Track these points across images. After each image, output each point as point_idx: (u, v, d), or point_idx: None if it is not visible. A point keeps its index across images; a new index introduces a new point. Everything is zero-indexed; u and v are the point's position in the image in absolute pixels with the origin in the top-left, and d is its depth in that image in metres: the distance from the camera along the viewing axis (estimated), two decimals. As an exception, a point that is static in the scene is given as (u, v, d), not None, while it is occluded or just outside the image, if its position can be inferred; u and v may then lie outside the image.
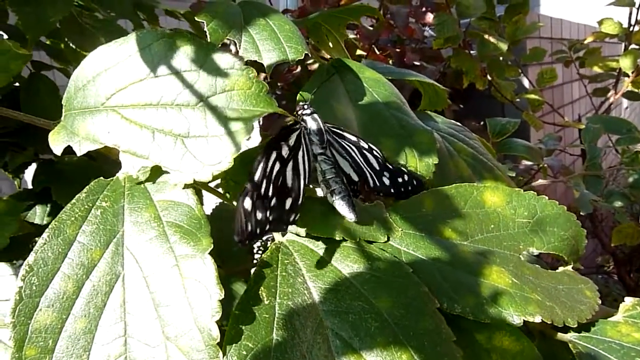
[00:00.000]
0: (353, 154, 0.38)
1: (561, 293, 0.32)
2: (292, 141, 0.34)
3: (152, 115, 0.32)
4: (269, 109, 0.32)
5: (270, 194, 0.31)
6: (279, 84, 1.29)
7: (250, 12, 0.41)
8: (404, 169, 0.38)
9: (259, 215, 0.30)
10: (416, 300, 0.29)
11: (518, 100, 1.35)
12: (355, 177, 0.38)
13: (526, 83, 1.62)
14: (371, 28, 1.33)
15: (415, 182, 0.38)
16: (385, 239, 0.33)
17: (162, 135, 0.32)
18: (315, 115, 0.37)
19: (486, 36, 1.12)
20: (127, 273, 0.30)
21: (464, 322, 0.30)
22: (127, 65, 0.34)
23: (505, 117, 1.04)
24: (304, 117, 0.37)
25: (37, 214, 0.81)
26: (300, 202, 0.33)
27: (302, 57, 0.38)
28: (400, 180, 0.37)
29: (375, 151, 0.38)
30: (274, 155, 0.32)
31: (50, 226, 0.31)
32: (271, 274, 0.30)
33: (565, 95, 2.11)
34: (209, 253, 0.29)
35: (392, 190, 0.38)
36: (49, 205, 0.83)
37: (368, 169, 0.37)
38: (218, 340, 0.27)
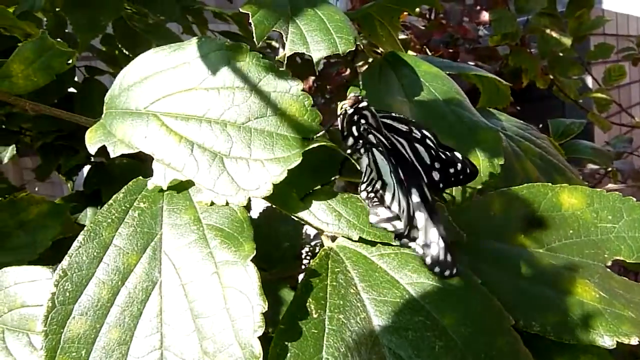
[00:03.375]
0: (400, 147, 0.33)
1: (657, 310, 0.27)
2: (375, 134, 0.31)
3: (195, 128, 0.30)
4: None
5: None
6: (327, 87, 1.27)
7: (298, 2, 0.38)
8: (457, 154, 0.34)
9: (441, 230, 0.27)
10: (487, 316, 0.25)
11: (581, 100, 1.27)
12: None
13: (589, 82, 1.53)
14: (423, 28, 1.29)
15: (468, 171, 0.33)
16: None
17: (201, 150, 0.30)
18: (372, 108, 0.32)
19: (548, 31, 1.06)
20: (165, 280, 0.27)
21: (543, 343, 0.26)
22: (178, 72, 0.32)
23: (566, 118, 0.97)
24: (363, 112, 0.31)
25: (88, 216, 0.82)
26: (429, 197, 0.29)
27: (354, 49, 0.35)
28: (452, 170, 0.33)
29: (429, 138, 0.33)
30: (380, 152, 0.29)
31: (85, 228, 0.29)
32: (320, 283, 0.27)
33: (633, 95, 1.99)
34: (252, 260, 0.26)
35: (441, 185, 0.33)
36: (99, 207, 0.83)
37: (417, 162, 0.33)
38: (260, 358, 0.24)
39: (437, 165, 0.33)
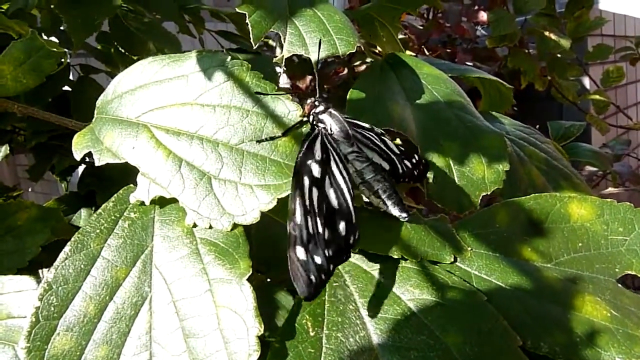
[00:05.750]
0: (376, 141, 0.33)
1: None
2: (318, 153, 0.28)
3: (185, 144, 0.29)
4: None
5: (319, 228, 0.26)
6: (325, 87, 1.25)
7: (297, 2, 0.37)
8: (411, 147, 0.34)
9: (318, 260, 0.25)
10: (493, 335, 0.24)
11: (579, 101, 1.26)
12: (386, 166, 0.33)
13: (587, 83, 1.52)
14: (421, 27, 1.27)
15: (424, 162, 0.34)
16: (452, 259, 0.28)
17: (189, 168, 0.28)
18: (332, 110, 0.31)
19: (547, 33, 1.05)
20: (155, 295, 0.26)
21: (551, 365, 0.25)
22: (174, 84, 0.31)
23: (564, 119, 0.97)
24: (320, 117, 0.31)
25: (83, 218, 0.80)
26: (355, 218, 0.27)
27: (354, 50, 0.34)
28: (414, 161, 0.34)
29: (384, 135, 0.33)
30: (306, 182, 0.27)
31: (72, 239, 0.28)
32: (317, 299, 0.26)
33: (629, 96, 1.99)
34: (247, 279, 0.25)
35: (415, 173, 0.34)
36: (94, 209, 0.82)
37: (392, 154, 0.33)
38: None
39: (403, 155, 0.33)
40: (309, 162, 0.27)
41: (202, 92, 0.30)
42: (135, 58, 0.86)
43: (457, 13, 1.22)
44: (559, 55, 1.18)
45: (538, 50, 1.12)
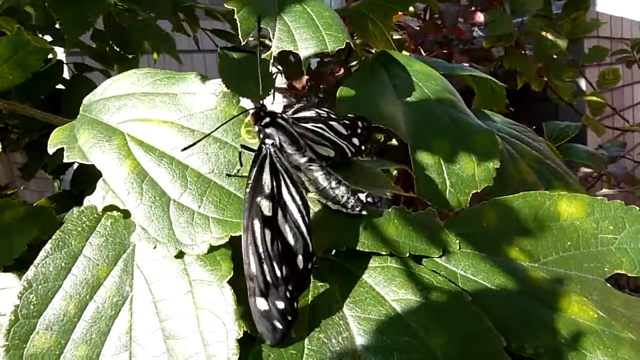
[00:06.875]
0: (324, 132, 0.32)
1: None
2: (267, 184, 0.27)
3: (155, 161, 0.28)
4: None
5: (277, 272, 0.25)
6: (321, 87, 1.25)
7: (286, -2, 0.36)
8: (350, 115, 0.35)
9: (281, 305, 0.24)
10: (478, 337, 0.23)
11: (575, 103, 1.26)
12: (333, 154, 0.32)
13: (583, 85, 1.52)
14: (418, 28, 1.27)
15: (366, 124, 0.35)
16: (440, 254, 0.27)
17: (151, 185, 0.27)
18: (278, 119, 0.29)
19: (544, 33, 1.04)
20: (136, 295, 0.26)
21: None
22: (162, 100, 0.30)
23: (559, 120, 0.96)
24: (266, 131, 0.29)
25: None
26: (312, 248, 0.26)
27: (343, 47, 0.34)
28: (359, 130, 0.34)
29: (330, 112, 0.33)
30: (257, 227, 0.25)
31: (53, 236, 0.27)
32: (300, 298, 0.25)
33: (625, 98, 1.99)
34: (228, 281, 0.24)
35: (363, 147, 0.34)
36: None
37: (340, 139, 0.33)
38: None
39: (350, 132, 0.34)
40: (259, 199, 0.26)
41: (186, 115, 0.29)
42: (130, 57, 0.86)
43: (453, 14, 1.22)
44: (555, 57, 1.18)
45: (534, 51, 1.11)
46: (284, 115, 0.30)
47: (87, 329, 0.25)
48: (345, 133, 0.33)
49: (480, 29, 1.30)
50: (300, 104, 0.33)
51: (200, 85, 0.30)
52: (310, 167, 0.29)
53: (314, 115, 0.33)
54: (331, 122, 0.33)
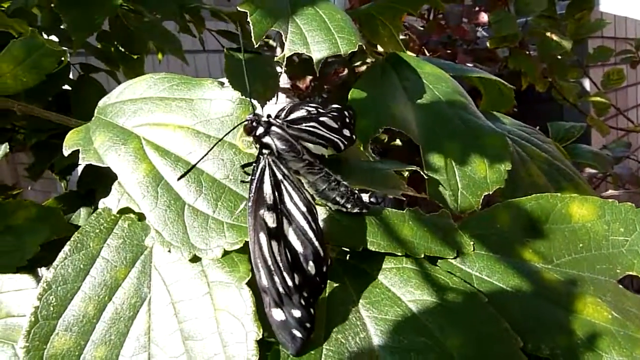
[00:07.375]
0: (317, 130, 0.32)
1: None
2: (269, 195, 0.26)
3: (170, 165, 0.28)
4: None
5: (288, 282, 0.25)
6: (325, 87, 1.25)
7: (298, 0, 0.36)
8: (335, 105, 0.35)
9: (297, 313, 0.24)
10: (494, 338, 0.24)
11: (579, 103, 1.26)
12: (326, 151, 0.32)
13: (587, 85, 1.52)
14: (422, 29, 1.27)
15: (352, 113, 0.36)
16: (455, 255, 0.28)
17: (167, 189, 0.28)
18: (274, 128, 0.29)
19: (548, 34, 1.04)
20: (154, 297, 0.26)
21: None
22: (178, 105, 0.31)
23: (564, 121, 0.96)
24: (263, 141, 0.28)
25: (82, 217, 0.80)
26: (323, 252, 0.26)
27: (356, 49, 0.34)
28: (347, 120, 0.34)
29: (317, 106, 0.34)
30: (263, 240, 0.25)
31: (72, 238, 0.28)
32: (318, 300, 0.26)
33: (629, 99, 1.99)
34: (247, 283, 0.24)
35: (354, 137, 0.34)
36: (93, 208, 0.81)
37: (332, 134, 0.32)
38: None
39: (339, 123, 0.34)
40: (262, 211, 0.26)
41: (202, 120, 0.30)
42: (135, 57, 0.86)
43: (458, 14, 1.22)
44: (559, 57, 1.18)
45: (539, 52, 1.11)
46: (277, 121, 0.30)
47: (106, 330, 0.25)
48: (336, 126, 0.33)
49: (484, 29, 1.30)
50: (290, 105, 0.33)
51: (216, 92, 0.30)
52: (310, 171, 0.29)
53: (305, 114, 0.33)
54: (322, 118, 0.33)
